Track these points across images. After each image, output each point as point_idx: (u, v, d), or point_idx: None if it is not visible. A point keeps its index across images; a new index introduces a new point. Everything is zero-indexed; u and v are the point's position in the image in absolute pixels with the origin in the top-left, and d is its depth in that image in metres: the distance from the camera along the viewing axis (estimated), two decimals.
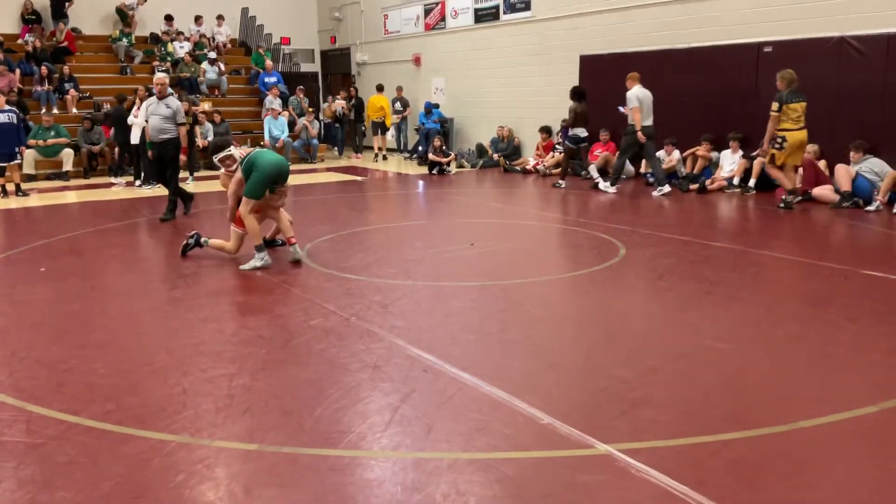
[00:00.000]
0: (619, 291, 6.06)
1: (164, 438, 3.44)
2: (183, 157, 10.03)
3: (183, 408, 3.78)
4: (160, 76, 9.65)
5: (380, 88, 18.31)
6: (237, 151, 7.08)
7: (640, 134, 11.14)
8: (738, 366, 4.31)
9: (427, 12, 18.43)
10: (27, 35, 17.32)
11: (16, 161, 12.06)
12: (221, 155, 7.01)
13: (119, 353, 4.67)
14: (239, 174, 6.87)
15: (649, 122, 11.36)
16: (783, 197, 9.72)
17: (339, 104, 18.35)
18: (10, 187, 12.10)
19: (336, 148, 18.78)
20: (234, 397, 3.90)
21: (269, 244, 7.44)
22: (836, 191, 9.79)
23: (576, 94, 12.40)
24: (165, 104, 9.43)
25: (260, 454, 3.29)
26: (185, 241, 7.36)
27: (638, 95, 11.32)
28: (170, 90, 9.74)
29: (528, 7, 15.60)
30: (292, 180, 13.98)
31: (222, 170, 7.34)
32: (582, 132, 12.32)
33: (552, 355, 4.61)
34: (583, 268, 6.81)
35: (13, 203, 11.43)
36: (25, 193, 12.17)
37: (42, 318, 5.51)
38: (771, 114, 9.57)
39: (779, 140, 9.58)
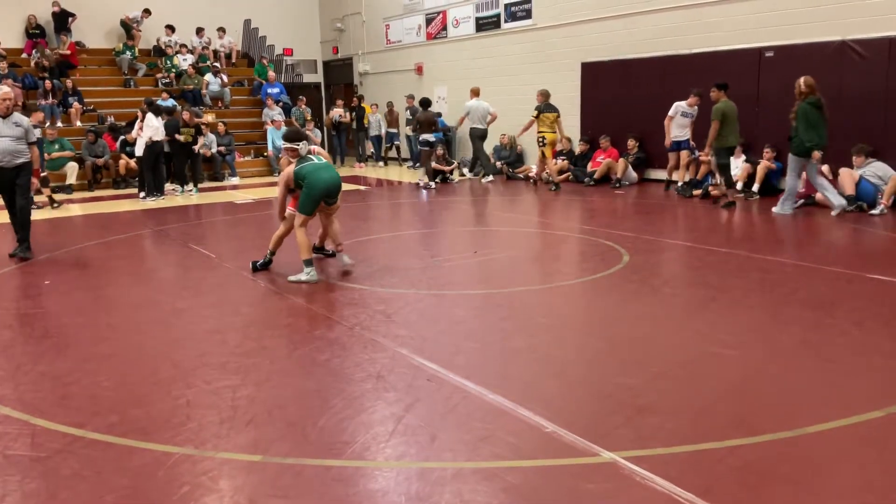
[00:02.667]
0: (622, 298, 6.05)
1: (168, 450, 3.44)
2: (35, 181, 8.33)
3: (187, 419, 3.78)
4: (4, 90, 7.91)
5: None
6: (305, 148, 6.87)
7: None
8: (744, 372, 4.29)
9: (429, 22, 18.49)
10: (34, 51, 17.41)
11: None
12: (289, 146, 6.85)
13: (123, 366, 4.68)
14: (290, 169, 6.78)
15: (478, 125, 14.65)
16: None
17: (337, 112, 18.41)
18: (43, 199, 12.25)
19: (338, 157, 18.83)
20: (237, 408, 3.90)
21: (318, 251, 7.49)
22: (840, 194, 9.76)
23: (422, 103, 14.59)
24: (14, 122, 7.86)
25: (264, 465, 3.29)
26: (263, 261, 7.15)
27: (472, 107, 14.55)
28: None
29: (529, 15, 15.64)
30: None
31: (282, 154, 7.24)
32: (430, 137, 14.05)
33: (556, 363, 4.60)
34: (586, 275, 6.81)
35: (45, 214, 11.54)
36: (59, 204, 12.36)
37: (46, 331, 5.52)
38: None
39: (539, 140, 13.08)
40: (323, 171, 6.73)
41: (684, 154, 11.97)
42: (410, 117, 17.87)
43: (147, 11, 19.20)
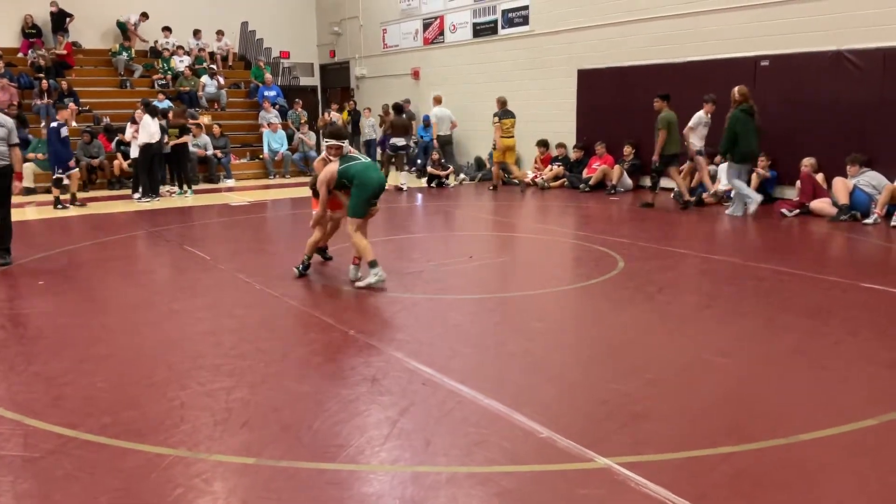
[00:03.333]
0: (618, 304, 6.06)
1: (161, 452, 3.42)
2: (17, 184, 7.77)
3: (181, 421, 3.77)
4: None
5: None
6: (348, 146, 6.78)
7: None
8: (738, 379, 4.30)
9: (426, 27, 18.52)
10: (29, 51, 17.38)
11: (74, 170, 12.47)
12: (334, 143, 6.60)
13: (117, 367, 4.66)
14: (333, 168, 6.51)
15: (444, 131, 15.83)
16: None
17: (334, 116, 18.43)
18: (64, 196, 12.38)
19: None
20: (232, 411, 3.89)
21: (320, 251, 7.45)
22: (834, 204, 9.81)
23: (395, 108, 14.69)
24: None
25: (257, 468, 3.28)
26: (302, 266, 6.97)
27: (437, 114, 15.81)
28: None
29: (526, 22, 15.68)
30: (289, 193, 14.09)
31: (322, 154, 7.00)
32: (400, 141, 14.34)
33: (551, 368, 4.61)
34: (581, 280, 6.82)
35: (62, 213, 11.81)
36: (82, 204, 12.46)
37: (40, 332, 5.50)
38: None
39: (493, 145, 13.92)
40: (371, 169, 6.55)
41: (701, 160, 11.58)
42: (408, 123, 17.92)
43: (144, 15, 19.20)
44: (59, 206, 12.06)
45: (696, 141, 11.33)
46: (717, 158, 11.60)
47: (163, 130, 13.14)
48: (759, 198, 10.21)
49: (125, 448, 3.49)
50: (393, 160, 14.89)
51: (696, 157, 11.49)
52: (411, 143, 15.34)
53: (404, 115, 14.84)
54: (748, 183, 10.95)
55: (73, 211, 11.98)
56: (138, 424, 3.75)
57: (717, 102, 10.99)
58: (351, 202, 6.49)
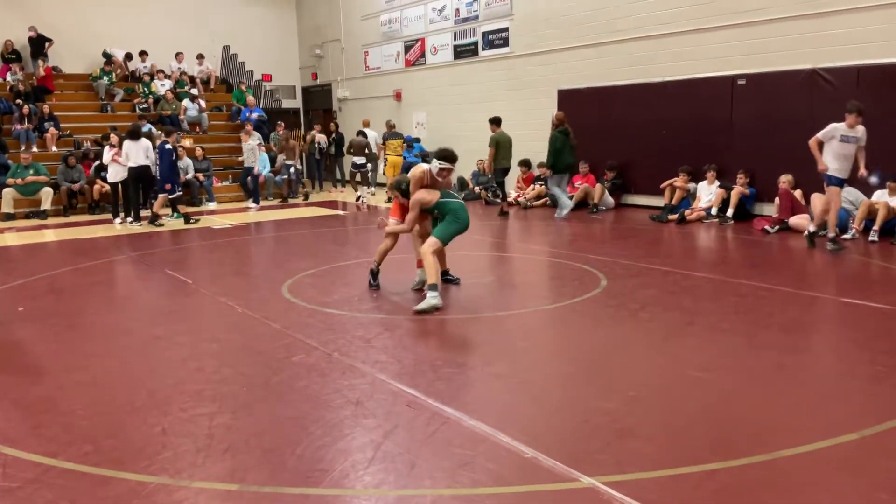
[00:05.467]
0: (601, 322, 6.08)
1: (143, 480, 3.38)
2: None
3: (162, 448, 3.73)
4: None
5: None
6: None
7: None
8: (720, 395, 4.33)
9: (407, 49, 18.65)
10: (8, 74, 17.31)
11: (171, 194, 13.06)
12: (446, 165, 6.75)
13: (98, 394, 4.61)
14: (433, 196, 6.72)
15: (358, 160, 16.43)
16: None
17: (319, 137, 18.47)
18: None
19: (317, 181, 18.93)
20: (214, 437, 3.86)
21: (443, 274, 7.40)
22: (812, 220, 9.91)
23: (359, 132, 16.84)
24: None
25: (240, 494, 3.25)
26: (371, 275, 7.35)
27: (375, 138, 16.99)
28: None
29: (506, 43, 15.84)
30: (273, 215, 14.06)
31: (427, 167, 6.92)
32: (360, 160, 16.27)
33: (535, 388, 4.61)
34: (565, 299, 6.84)
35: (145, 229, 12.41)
36: (161, 224, 12.85)
37: (19, 359, 5.44)
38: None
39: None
40: (465, 209, 6.84)
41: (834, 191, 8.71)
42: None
43: (129, 56, 19.29)
44: (158, 224, 12.80)
45: (830, 160, 8.63)
46: (684, 177, 11.85)
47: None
48: (570, 205, 12.32)
49: (106, 476, 3.44)
50: (357, 177, 16.45)
51: (827, 185, 8.72)
52: (368, 163, 16.81)
53: (362, 137, 16.64)
54: (728, 199, 11.11)
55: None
56: (119, 452, 3.70)
57: (862, 113, 8.58)
58: (442, 228, 6.70)
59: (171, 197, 13.09)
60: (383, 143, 16.90)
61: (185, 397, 4.46)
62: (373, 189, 17.42)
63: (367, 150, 16.58)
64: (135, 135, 12.90)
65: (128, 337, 5.97)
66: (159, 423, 4.07)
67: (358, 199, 15.30)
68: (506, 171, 13.39)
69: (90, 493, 3.30)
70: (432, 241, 6.62)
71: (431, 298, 6.33)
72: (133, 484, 3.35)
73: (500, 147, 13.03)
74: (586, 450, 3.59)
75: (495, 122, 13.31)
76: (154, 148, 12.92)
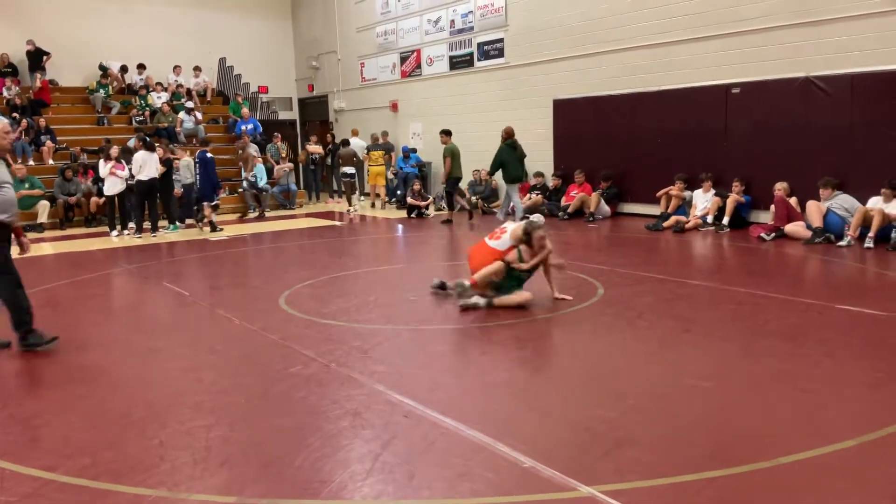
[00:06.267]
0: (598, 331, 6.09)
1: (141, 493, 3.38)
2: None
3: (160, 461, 3.72)
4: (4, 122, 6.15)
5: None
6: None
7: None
8: (719, 403, 4.33)
9: (403, 60, 18.72)
10: (4, 88, 17.33)
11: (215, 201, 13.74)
12: (542, 234, 6.77)
13: (95, 407, 4.60)
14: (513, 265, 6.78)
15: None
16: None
17: (315, 149, 18.50)
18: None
19: (313, 192, 18.99)
20: (212, 449, 3.85)
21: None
22: (808, 227, 9.97)
23: (342, 142, 17.38)
24: None
25: None
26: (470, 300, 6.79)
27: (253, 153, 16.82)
28: None
29: (501, 54, 15.90)
30: (271, 227, 14.06)
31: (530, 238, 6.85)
32: (350, 169, 16.63)
33: (534, 397, 4.61)
34: (562, 308, 6.84)
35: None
36: (219, 229, 13.41)
37: (17, 372, 5.42)
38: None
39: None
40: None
41: None
42: (386, 154, 18.03)
43: (125, 68, 19.35)
44: (219, 230, 13.31)
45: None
46: (680, 185, 11.93)
47: (165, 164, 13.26)
48: (521, 209, 12.85)
49: (104, 489, 3.43)
50: (351, 186, 16.85)
51: None
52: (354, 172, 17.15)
53: (350, 147, 17.10)
54: (724, 207, 11.16)
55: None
56: (117, 465, 3.69)
57: None
58: (511, 285, 6.80)
59: (212, 204, 13.57)
60: (367, 154, 17.53)
61: (183, 409, 4.45)
62: (361, 197, 17.71)
63: (355, 159, 16.99)
64: (150, 147, 12.96)
65: (125, 349, 5.96)
66: (157, 435, 4.06)
67: (349, 209, 15.80)
68: (458, 180, 13.99)
69: None
70: (528, 295, 6.75)
71: (479, 300, 6.65)
72: (131, 497, 3.34)
73: (454, 158, 13.61)
74: (585, 458, 3.59)
75: (447, 133, 13.95)
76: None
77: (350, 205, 16.60)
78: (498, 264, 6.72)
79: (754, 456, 3.54)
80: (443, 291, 7.35)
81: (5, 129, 5.95)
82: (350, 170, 16.65)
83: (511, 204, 13.21)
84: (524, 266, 6.81)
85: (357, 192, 17.37)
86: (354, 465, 3.62)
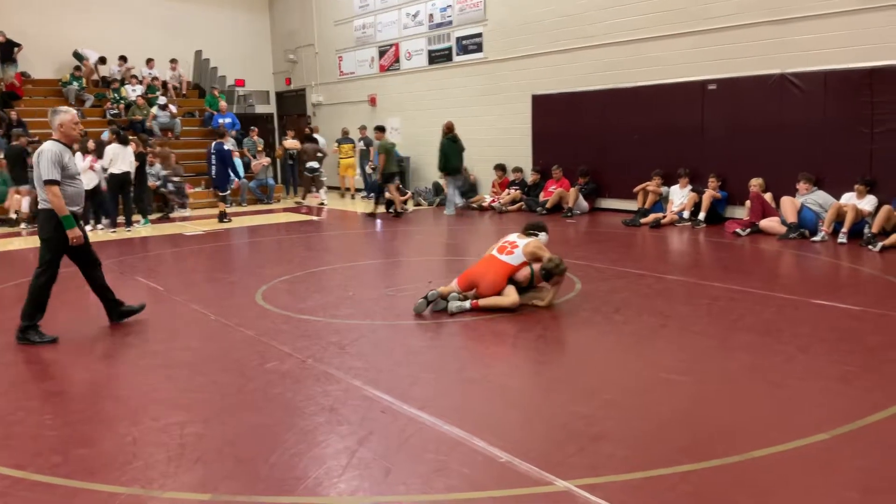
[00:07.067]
0: (576, 326, 6.11)
1: (113, 491, 3.33)
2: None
3: (133, 458, 3.68)
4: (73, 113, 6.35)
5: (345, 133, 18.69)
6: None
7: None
8: (694, 398, 4.36)
9: (381, 54, 18.64)
10: None
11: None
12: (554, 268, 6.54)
13: (68, 404, 4.54)
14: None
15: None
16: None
17: (292, 144, 18.38)
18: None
19: (291, 187, 18.89)
20: (186, 446, 3.81)
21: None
22: (783, 222, 10.07)
23: (306, 138, 17.89)
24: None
25: None
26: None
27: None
28: None
29: (480, 49, 15.89)
30: (249, 221, 13.96)
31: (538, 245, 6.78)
32: (314, 164, 16.84)
33: (511, 392, 4.61)
34: (540, 304, 6.84)
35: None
36: (229, 220, 13.77)
37: None
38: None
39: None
40: None
41: None
42: (364, 148, 17.97)
43: (103, 60, 19.07)
44: (226, 220, 13.69)
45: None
46: (657, 181, 12.03)
47: (138, 158, 13.11)
48: (460, 203, 14.35)
49: (76, 488, 3.39)
50: (311, 181, 17.12)
51: None
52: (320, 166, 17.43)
53: (313, 143, 17.55)
54: (700, 203, 11.25)
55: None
56: (89, 463, 3.65)
57: None
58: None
59: (221, 194, 14.05)
60: (337, 147, 18.06)
61: (156, 406, 4.41)
62: (325, 190, 17.75)
63: (319, 154, 17.21)
64: (123, 140, 12.81)
65: (98, 345, 5.88)
66: (130, 432, 4.01)
67: (299, 201, 16.37)
68: (392, 176, 14.21)
69: None
70: (516, 299, 6.44)
71: (465, 303, 6.41)
72: (103, 495, 3.30)
73: (389, 154, 14.01)
74: (561, 454, 3.60)
75: (381, 129, 14.56)
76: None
77: (302, 198, 17.16)
78: (514, 299, 6.41)
79: (728, 450, 3.57)
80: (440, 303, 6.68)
81: (74, 119, 6.16)
82: (314, 164, 16.89)
83: (454, 193, 14.25)
84: (540, 304, 6.54)
85: (322, 185, 17.43)
86: (330, 461, 3.60)
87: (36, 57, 18.59)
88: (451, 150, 13.87)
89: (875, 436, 3.73)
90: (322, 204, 16.61)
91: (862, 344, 5.29)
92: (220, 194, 14.07)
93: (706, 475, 3.35)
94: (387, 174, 14.06)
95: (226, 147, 14.12)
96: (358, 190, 18.84)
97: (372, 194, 17.28)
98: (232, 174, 14.37)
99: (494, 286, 6.50)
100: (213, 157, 13.90)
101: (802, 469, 3.41)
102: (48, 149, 5.92)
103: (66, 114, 6.13)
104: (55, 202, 5.77)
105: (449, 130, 13.98)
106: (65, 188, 5.89)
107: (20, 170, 13.79)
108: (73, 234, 5.88)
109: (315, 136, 18.25)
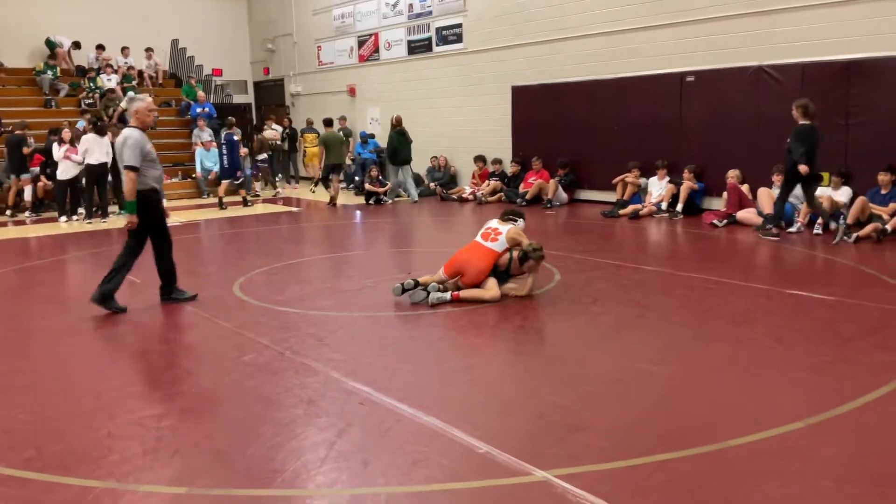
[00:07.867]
0: (554, 317, 6.13)
1: (88, 485, 3.30)
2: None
3: (109, 452, 3.64)
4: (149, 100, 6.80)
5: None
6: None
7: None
8: (671, 387, 4.39)
9: (361, 44, 18.52)
10: None
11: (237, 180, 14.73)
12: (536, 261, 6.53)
13: (42, 397, 4.48)
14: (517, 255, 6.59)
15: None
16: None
17: (268, 133, 18.22)
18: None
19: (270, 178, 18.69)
20: (162, 439, 3.77)
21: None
22: (760, 213, 10.16)
23: (266, 129, 17.98)
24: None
25: (189, 497, 3.19)
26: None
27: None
28: None
29: (459, 39, 15.84)
30: (226, 213, 13.84)
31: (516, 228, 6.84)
32: (264, 156, 16.89)
33: (490, 383, 4.62)
34: (519, 293, 6.86)
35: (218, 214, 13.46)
36: (224, 206, 14.17)
37: None
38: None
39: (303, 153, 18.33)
40: None
41: None
42: (343, 138, 17.83)
43: (76, 44, 18.76)
44: (249, 204, 14.62)
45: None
46: (635, 172, 12.08)
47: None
48: (415, 195, 14.76)
49: (50, 482, 3.35)
50: (267, 172, 17.42)
51: None
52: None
53: (264, 135, 17.56)
54: (678, 194, 11.31)
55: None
56: (64, 457, 3.60)
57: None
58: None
59: (236, 183, 14.64)
60: (301, 137, 18.43)
61: (132, 399, 4.36)
62: (278, 179, 18.03)
63: (271, 143, 17.55)
64: (100, 130, 12.63)
65: (73, 338, 5.81)
66: (105, 426, 3.97)
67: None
68: (335, 167, 14.61)
69: (34, 499, 3.20)
70: (497, 293, 6.45)
71: (445, 295, 6.41)
72: (78, 489, 3.26)
73: (330, 146, 14.46)
74: (540, 444, 3.61)
75: (327, 123, 15.14)
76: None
77: (248, 191, 16.59)
78: (495, 293, 6.44)
79: (704, 439, 3.60)
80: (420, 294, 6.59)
81: (150, 106, 6.50)
82: (264, 156, 16.96)
83: (399, 184, 14.86)
84: (520, 293, 6.57)
85: (275, 174, 17.81)
86: (308, 453, 3.58)
87: (7, 45, 18.25)
88: (399, 143, 14.51)
89: (849, 425, 3.78)
90: (256, 196, 16.03)
91: (836, 333, 5.36)
92: (236, 183, 14.67)
93: (683, 464, 3.37)
94: (328, 165, 14.51)
95: (234, 138, 14.58)
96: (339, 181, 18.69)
97: (351, 185, 17.28)
98: (240, 164, 14.86)
99: (480, 273, 6.54)
100: (224, 147, 14.56)
101: (778, 458, 3.44)
102: (133, 136, 6.21)
103: (142, 101, 6.51)
104: (129, 186, 6.18)
105: (397, 123, 14.61)
106: (148, 171, 6.32)
107: (17, 159, 13.60)
108: (132, 219, 6.37)
109: (274, 127, 18.32)
